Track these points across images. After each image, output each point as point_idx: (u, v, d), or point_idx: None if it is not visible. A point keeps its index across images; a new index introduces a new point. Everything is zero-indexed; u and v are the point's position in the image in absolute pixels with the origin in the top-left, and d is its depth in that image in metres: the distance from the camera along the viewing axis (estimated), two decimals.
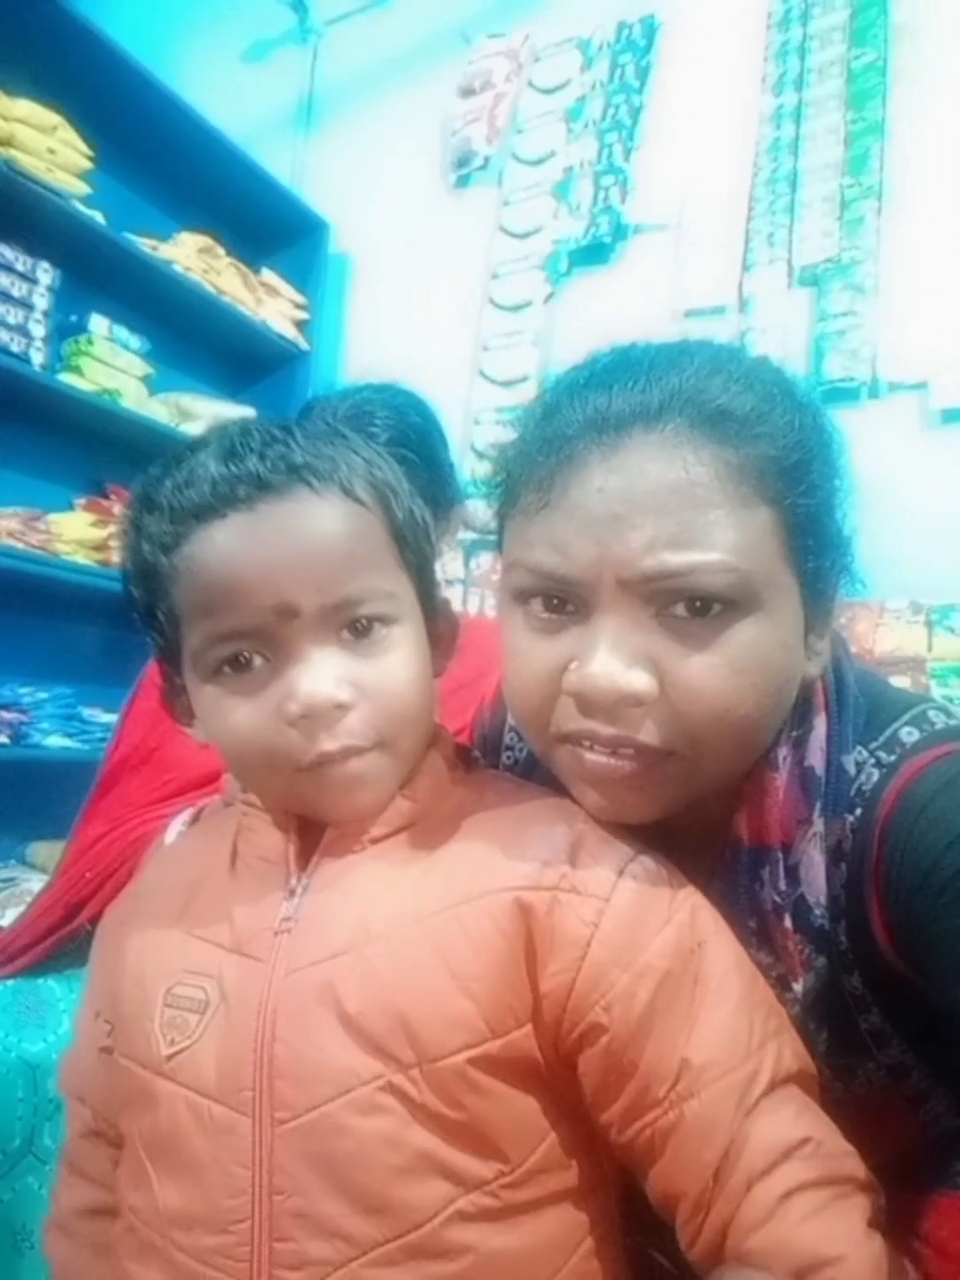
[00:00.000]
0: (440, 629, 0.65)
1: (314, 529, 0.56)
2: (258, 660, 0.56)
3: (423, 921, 0.56)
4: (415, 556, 0.62)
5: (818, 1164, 0.51)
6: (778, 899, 0.61)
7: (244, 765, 0.61)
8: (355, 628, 0.57)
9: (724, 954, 0.57)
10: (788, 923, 0.61)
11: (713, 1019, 0.53)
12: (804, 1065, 0.56)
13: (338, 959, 0.55)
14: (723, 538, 0.53)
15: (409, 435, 0.66)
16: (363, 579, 0.57)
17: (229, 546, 0.55)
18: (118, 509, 2.40)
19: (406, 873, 0.58)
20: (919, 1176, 0.63)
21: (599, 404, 0.56)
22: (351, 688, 0.56)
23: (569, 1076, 0.57)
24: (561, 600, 0.57)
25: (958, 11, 2.00)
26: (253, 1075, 0.53)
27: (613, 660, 0.54)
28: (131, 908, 0.67)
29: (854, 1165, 0.53)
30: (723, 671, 0.54)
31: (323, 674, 0.55)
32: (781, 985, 0.62)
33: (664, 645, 0.55)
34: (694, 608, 0.54)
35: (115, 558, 2.37)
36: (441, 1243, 0.51)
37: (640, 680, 0.54)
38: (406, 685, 0.59)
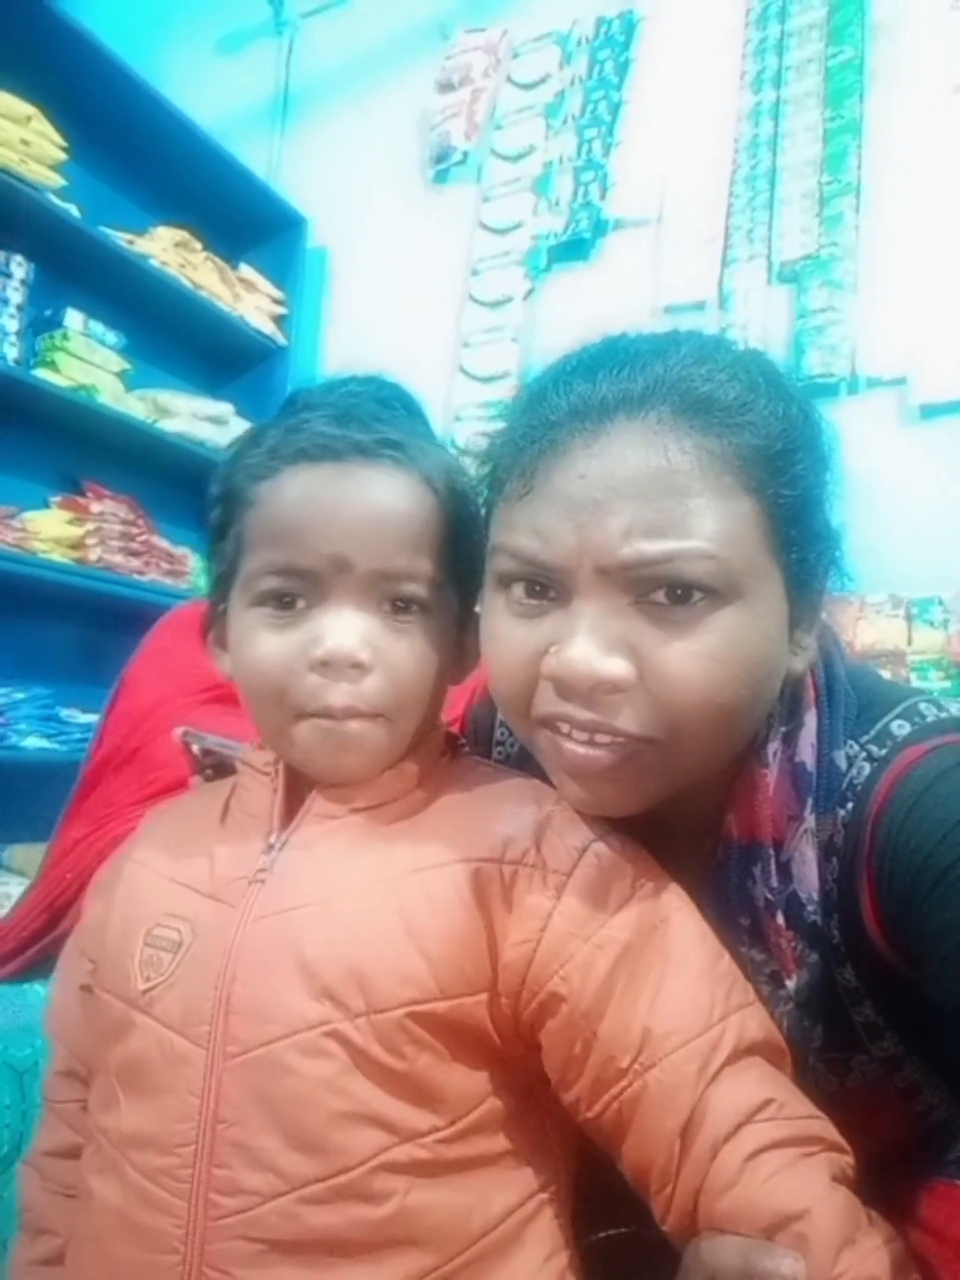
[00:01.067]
0: (468, 644, 0.68)
1: (388, 498, 0.60)
2: (301, 602, 0.60)
3: (388, 882, 0.58)
4: (466, 564, 0.65)
5: (781, 1125, 0.52)
6: (770, 896, 0.61)
7: (256, 695, 0.63)
8: (396, 603, 0.61)
9: (688, 929, 0.58)
10: (780, 919, 0.61)
11: (674, 988, 0.55)
12: (769, 1037, 0.56)
13: (303, 909, 0.58)
14: (703, 526, 0.53)
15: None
16: (416, 558, 0.61)
17: (310, 489, 0.60)
18: (94, 507, 2.37)
19: (381, 838, 0.61)
20: (914, 1166, 0.64)
21: (583, 391, 0.56)
22: (374, 652, 0.59)
23: (523, 1051, 0.58)
24: (543, 586, 0.58)
25: (934, 10, 2.02)
26: (211, 1011, 0.56)
27: (591, 646, 0.54)
28: (127, 855, 0.70)
29: (820, 1126, 0.54)
30: (702, 659, 0.54)
31: (352, 629, 0.59)
32: (775, 982, 0.62)
33: (643, 632, 0.55)
34: (674, 595, 0.54)
35: (92, 556, 2.36)
36: (370, 1187, 0.53)
37: (617, 666, 0.54)
38: (423, 669, 0.62)
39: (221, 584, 0.66)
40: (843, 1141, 0.54)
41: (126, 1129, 0.58)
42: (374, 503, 0.60)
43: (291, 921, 0.58)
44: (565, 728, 0.57)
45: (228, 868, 0.62)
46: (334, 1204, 0.53)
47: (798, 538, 0.57)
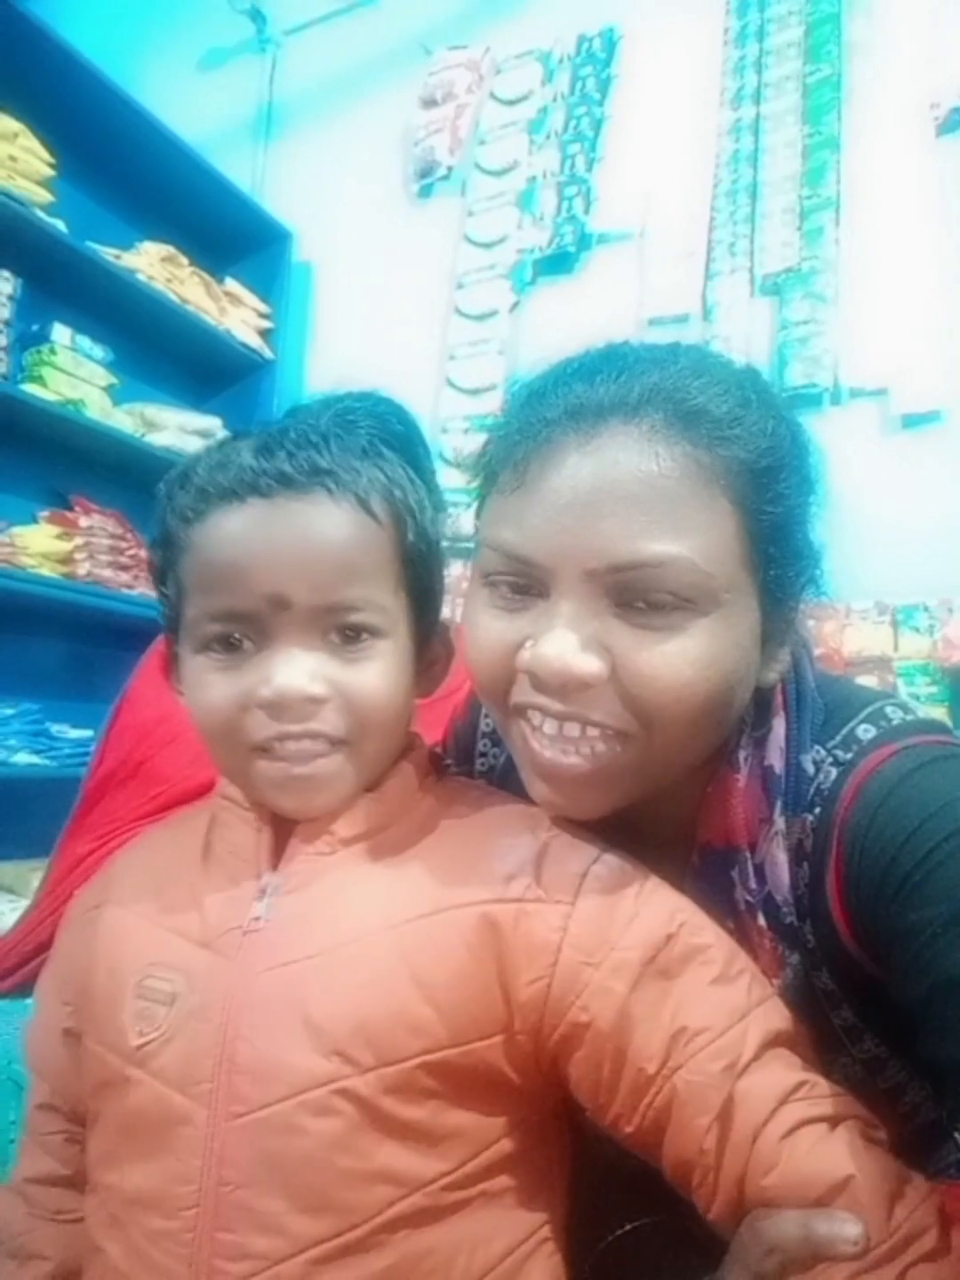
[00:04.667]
0: (435, 652, 0.67)
1: (320, 531, 0.58)
2: (246, 643, 0.59)
3: (391, 930, 0.57)
4: (420, 579, 0.64)
5: (813, 1103, 0.53)
6: (749, 898, 0.62)
7: (209, 737, 0.62)
8: (343, 632, 0.59)
9: (700, 933, 0.58)
10: (761, 921, 0.62)
11: (695, 993, 0.55)
12: (790, 1026, 0.57)
13: (305, 962, 0.57)
14: (687, 535, 0.54)
15: (392, 443, 0.67)
16: (358, 588, 0.59)
17: (240, 531, 0.58)
18: (83, 521, 2.36)
19: (376, 880, 0.60)
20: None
21: (581, 392, 0.57)
22: (326, 684, 0.58)
23: (541, 1087, 0.58)
24: (525, 582, 0.58)
25: (910, 28, 2.06)
26: (211, 1069, 0.55)
27: (566, 642, 0.55)
28: (102, 895, 0.68)
29: (849, 1103, 0.55)
30: (675, 662, 0.55)
31: (300, 668, 0.57)
32: None
33: (619, 634, 0.55)
34: (652, 602, 0.55)
35: (80, 570, 2.35)
36: (375, 1241, 0.52)
37: (590, 664, 0.55)
38: (381, 695, 0.60)
39: (170, 626, 0.65)
40: (868, 1113, 0.55)
41: (128, 1188, 0.57)
42: (305, 537, 0.58)
43: (294, 975, 0.56)
44: (537, 719, 0.58)
45: (219, 915, 0.60)
46: (339, 1261, 0.52)
47: (776, 554, 0.58)
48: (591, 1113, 0.58)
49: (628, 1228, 0.65)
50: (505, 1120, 0.58)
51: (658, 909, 0.58)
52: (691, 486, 0.54)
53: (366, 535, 0.60)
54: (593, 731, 0.57)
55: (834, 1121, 0.53)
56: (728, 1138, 0.52)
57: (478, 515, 0.65)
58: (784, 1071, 0.54)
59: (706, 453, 0.55)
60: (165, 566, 0.63)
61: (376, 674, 0.60)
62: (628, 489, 0.54)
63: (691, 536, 0.54)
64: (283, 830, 0.62)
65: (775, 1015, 0.57)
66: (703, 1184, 0.54)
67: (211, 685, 0.59)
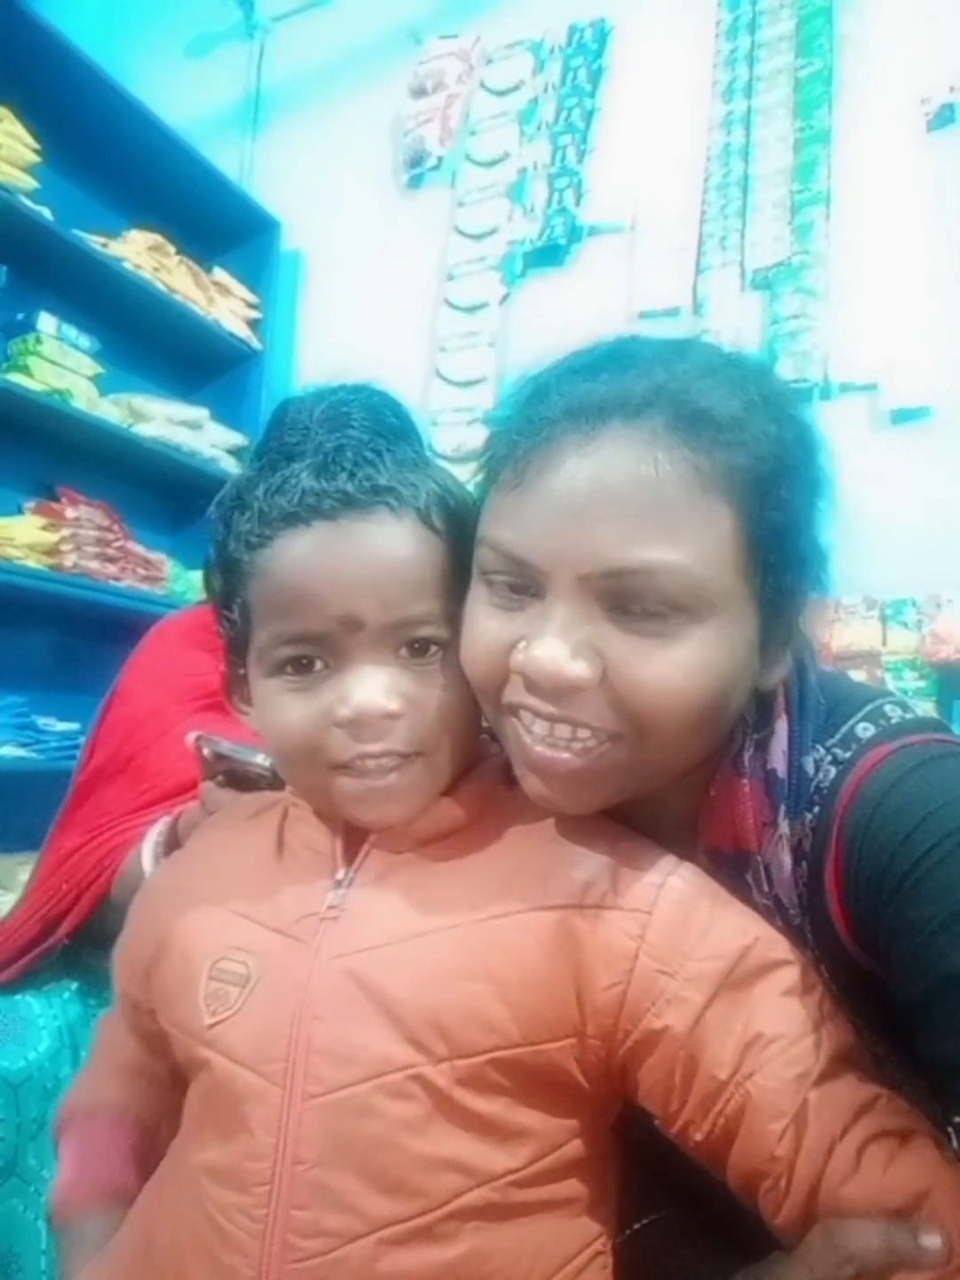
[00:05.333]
0: None
1: (388, 549, 0.60)
2: (319, 664, 0.60)
3: (467, 927, 0.58)
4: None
5: (888, 1117, 0.54)
6: (765, 901, 0.62)
7: (286, 758, 0.64)
8: (413, 646, 0.61)
9: (776, 948, 0.59)
10: (778, 922, 0.62)
11: (768, 1005, 0.56)
12: (856, 1045, 0.58)
13: (381, 949, 0.58)
14: (683, 541, 0.54)
15: (388, 436, 0.66)
16: (426, 602, 0.60)
17: (308, 555, 0.59)
18: (69, 512, 2.35)
19: (452, 879, 0.61)
20: None
21: (584, 390, 0.56)
22: (401, 699, 0.59)
23: (609, 1094, 0.59)
24: (522, 585, 0.58)
25: (901, 23, 2.06)
26: (285, 1048, 0.56)
27: (558, 646, 0.55)
28: (176, 882, 0.70)
29: (918, 1117, 0.55)
30: (667, 669, 0.55)
31: (376, 685, 0.59)
32: None
33: (612, 639, 0.55)
34: (645, 608, 0.55)
35: (67, 562, 2.33)
36: (445, 1230, 0.53)
37: (581, 669, 0.55)
38: (454, 703, 0.61)
39: (235, 650, 0.65)
40: (936, 1131, 0.55)
41: (203, 1160, 0.58)
42: (374, 558, 0.59)
43: (369, 962, 0.57)
44: (528, 718, 0.58)
45: (295, 903, 0.61)
46: (411, 1245, 0.53)
47: (777, 561, 0.57)
48: (661, 1121, 0.58)
49: (647, 1220, 0.65)
50: (573, 1124, 0.58)
51: (733, 922, 0.59)
52: (689, 492, 0.54)
53: (429, 549, 0.61)
54: (583, 732, 0.57)
55: (906, 1135, 0.54)
56: (801, 1146, 0.52)
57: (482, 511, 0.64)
58: (857, 1084, 0.55)
59: (706, 458, 0.54)
60: (228, 592, 0.63)
61: (445, 685, 0.61)
62: (623, 493, 0.54)
63: (686, 543, 0.54)
64: (357, 829, 0.64)
65: (844, 1031, 0.57)
66: (772, 1190, 0.54)
67: (287, 707, 0.60)
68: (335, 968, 0.58)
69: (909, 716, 0.62)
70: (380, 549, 0.59)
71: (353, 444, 0.62)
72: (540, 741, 0.58)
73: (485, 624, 0.60)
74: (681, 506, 0.54)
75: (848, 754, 0.60)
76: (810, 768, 0.61)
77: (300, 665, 0.60)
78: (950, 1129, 0.55)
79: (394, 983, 0.56)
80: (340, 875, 0.62)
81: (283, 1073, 0.56)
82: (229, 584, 0.63)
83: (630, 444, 0.54)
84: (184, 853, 0.76)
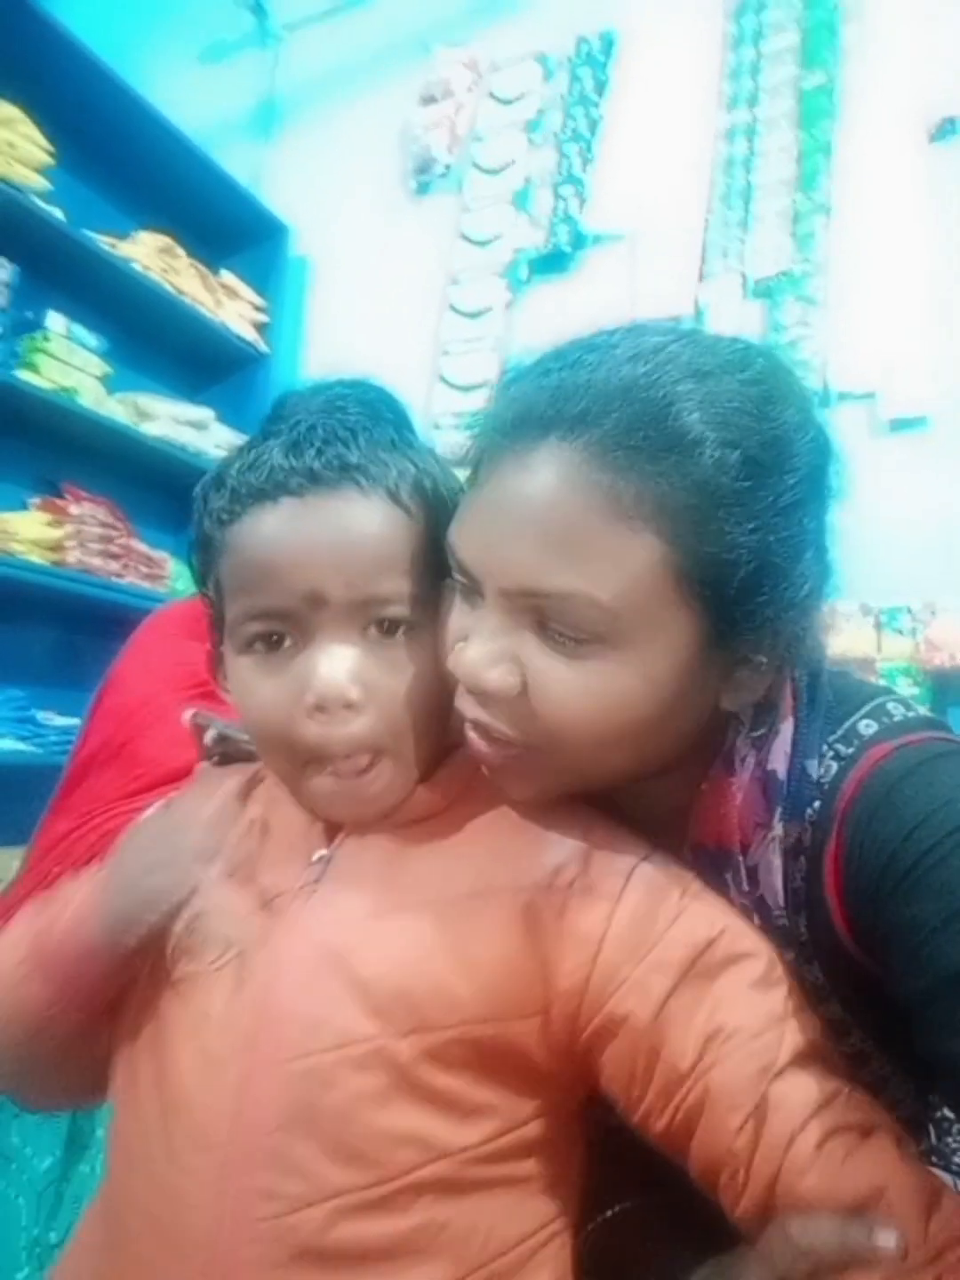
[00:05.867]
0: None
1: (352, 525, 0.59)
2: (287, 641, 0.60)
3: (438, 905, 0.59)
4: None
5: (848, 1111, 0.54)
6: (743, 900, 0.62)
7: (262, 742, 0.64)
8: (382, 626, 0.60)
9: (742, 940, 0.59)
10: (757, 920, 0.62)
11: (733, 998, 0.56)
12: (822, 1040, 0.58)
13: (354, 926, 0.59)
14: (595, 573, 0.53)
15: (370, 421, 0.66)
16: (392, 581, 0.60)
17: (273, 530, 0.59)
18: (73, 509, 2.37)
19: (428, 859, 0.62)
20: None
21: (531, 400, 0.56)
22: (362, 688, 0.59)
23: (572, 1078, 0.59)
24: (470, 583, 0.59)
25: (904, 37, 2.08)
26: (252, 1018, 0.57)
27: (480, 653, 0.56)
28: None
29: (879, 1113, 0.56)
30: (577, 692, 0.55)
31: (341, 665, 0.58)
32: None
33: (533, 652, 0.56)
34: (561, 629, 0.55)
35: (70, 558, 2.35)
36: (400, 1202, 0.54)
37: (497, 679, 0.56)
38: (419, 689, 0.61)
39: (216, 627, 0.66)
40: (895, 1124, 0.56)
41: (156, 1117, 0.58)
42: (338, 533, 0.59)
43: (341, 937, 0.58)
44: (466, 720, 0.60)
45: (273, 878, 0.62)
46: (367, 1214, 0.53)
47: (720, 592, 0.54)
48: (622, 1108, 0.58)
49: (618, 1209, 0.65)
50: (536, 1104, 0.59)
51: (701, 912, 0.59)
52: (606, 521, 0.53)
53: (398, 528, 0.60)
54: (500, 741, 0.59)
55: (867, 1131, 0.54)
56: (761, 1139, 0.53)
57: None
58: (819, 1078, 0.55)
59: (631, 486, 0.52)
60: (205, 570, 0.64)
61: (411, 669, 0.61)
62: (541, 516, 0.54)
63: (598, 573, 0.53)
64: None
65: (809, 1026, 0.57)
66: (731, 1183, 0.54)
67: (257, 688, 0.61)
68: (308, 942, 0.59)
69: (911, 714, 0.62)
70: (346, 526, 0.59)
71: (326, 423, 0.62)
72: (475, 735, 0.60)
73: (450, 617, 0.61)
74: (595, 535, 0.53)
75: (850, 750, 0.60)
76: (813, 769, 0.61)
77: (270, 641, 0.60)
78: (943, 1124, 0.55)
79: (365, 959, 0.57)
80: (318, 854, 0.62)
81: (246, 1040, 0.56)
82: (205, 561, 0.64)
83: (557, 465, 0.54)
84: (180, 803, 0.75)
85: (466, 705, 0.59)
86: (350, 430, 0.61)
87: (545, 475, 0.54)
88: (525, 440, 0.55)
